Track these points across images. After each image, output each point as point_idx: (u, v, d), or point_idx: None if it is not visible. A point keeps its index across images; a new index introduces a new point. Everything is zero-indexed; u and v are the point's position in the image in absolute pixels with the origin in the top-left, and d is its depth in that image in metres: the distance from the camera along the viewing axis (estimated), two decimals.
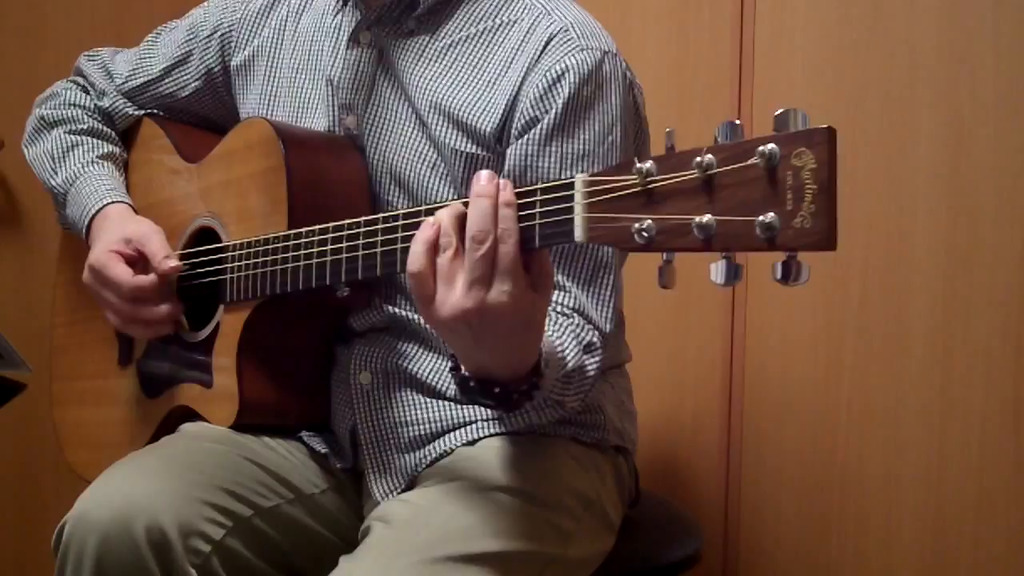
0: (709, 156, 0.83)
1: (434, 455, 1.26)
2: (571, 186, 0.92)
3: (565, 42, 1.22)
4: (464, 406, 1.27)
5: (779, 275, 0.82)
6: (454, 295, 0.95)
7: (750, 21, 1.85)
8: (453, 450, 1.25)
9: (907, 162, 1.70)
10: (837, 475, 1.77)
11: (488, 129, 1.24)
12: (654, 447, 1.93)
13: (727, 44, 1.87)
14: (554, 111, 1.20)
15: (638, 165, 0.87)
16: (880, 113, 1.73)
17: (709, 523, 1.85)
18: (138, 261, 1.33)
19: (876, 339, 1.73)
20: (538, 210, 0.94)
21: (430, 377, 1.27)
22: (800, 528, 1.81)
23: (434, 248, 0.96)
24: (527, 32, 1.25)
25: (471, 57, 1.28)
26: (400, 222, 1.07)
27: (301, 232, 1.19)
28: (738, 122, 0.83)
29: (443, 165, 1.27)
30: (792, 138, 0.79)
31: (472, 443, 1.25)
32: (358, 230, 1.12)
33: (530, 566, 1.13)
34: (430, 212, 1.01)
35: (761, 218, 0.79)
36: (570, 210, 0.92)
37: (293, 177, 1.24)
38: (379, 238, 1.09)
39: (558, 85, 1.20)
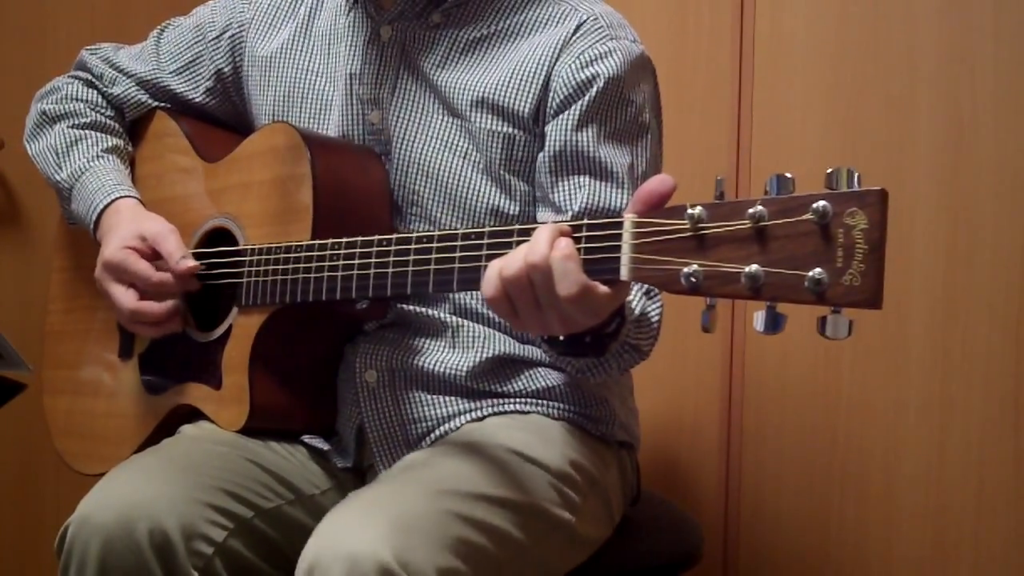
0: (761, 207, 0.86)
1: (440, 432, 1.27)
2: (619, 224, 0.94)
3: (596, 29, 1.28)
4: (471, 399, 1.28)
5: (820, 328, 0.87)
6: (533, 322, 0.98)
7: (750, 21, 1.85)
8: (460, 427, 1.27)
9: (907, 162, 1.70)
10: (837, 475, 1.77)
11: (525, 110, 1.28)
12: (654, 447, 1.93)
13: (727, 44, 1.87)
14: (590, 94, 1.25)
15: (689, 211, 0.89)
16: (880, 113, 1.73)
17: (709, 523, 1.85)
18: (152, 259, 1.32)
19: (876, 339, 1.73)
20: (583, 244, 0.96)
21: (437, 367, 1.28)
22: (800, 528, 1.81)
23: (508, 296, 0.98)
24: (557, 20, 1.30)
25: (502, 48, 1.30)
26: (435, 244, 1.08)
27: (327, 243, 1.19)
28: (789, 175, 0.86)
29: (476, 153, 1.29)
30: (845, 197, 0.83)
31: (480, 420, 1.27)
32: (389, 247, 1.13)
33: (540, 521, 1.16)
34: (467, 237, 1.05)
35: (811, 273, 0.83)
36: (617, 248, 0.94)
37: (319, 185, 1.23)
38: (411, 257, 1.10)
39: (594, 67, 1.26)
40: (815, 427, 1.79)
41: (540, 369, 1.30)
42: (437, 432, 1.28)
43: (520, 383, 1.29)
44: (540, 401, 1.29)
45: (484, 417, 1.27)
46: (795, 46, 1.81)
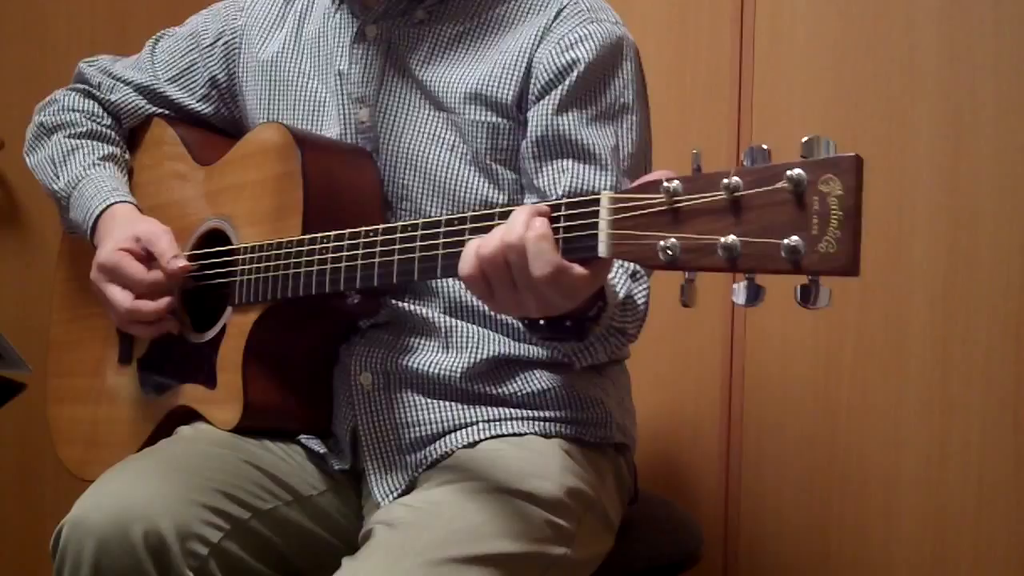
0: (736, 178, 0.85)
1: (434, 456, 1.26)
2: (596, 202, 0.94)
3: (576, 13, 1.29)
4: (465, 406, 1.27)
5: (799, 298, 0.85)
6: (509, 303, 0.99)
7: (750, 21, 1.85)
8: (453, 452, 1.25)
9: (907, 162, 1.70)
10: (837, 475, 1.77)
11: (508, 97, 1.28)
12: (654, 447, 1.93)
13: (727, 44, 1.87)
14: (571, 77, 1.25)
15: (665, 184, 0.89)
16: (880, 113, 1.73)
17: (709, 523, 1.85)
18: (146, 260, 1.33)
19: (876, 339, 1.73)
20: (562, 224, 0.96)
21: (432, 369, 1.28)
22: (800, 528, 1.81)
23: (485, 277, 0.99)
24: (538, 8, 1.31)
25: (485, 41, 1.31)
26: (419, 231, 1.09)
27: (316, 237, 1.20)
28: (766, 147, 0.85)
29: (463, 145, 1.30)
30: (820, 164, 0.81)
31: (472, 445, 1.26)
32: (375, 238, 1.14)
33: (533, 567, 1.14)
34: (450, 223, 1.05)
35: (786, 241, 0.82)
36: (595, 226, 0.94)
37: (309, 182, 1.24)
38: (396, 246, 1.11)
39: (573, 52, 1.26)
40: (815, 427, 1.79)
41: (535, 371, 1.29)
42: (430, 454, 1.26)
43: (515, 385, 1.28)
44: (535, 412, 1.28)
45: (478, 442, 1.26)
46: (795, 46, 1.81)
